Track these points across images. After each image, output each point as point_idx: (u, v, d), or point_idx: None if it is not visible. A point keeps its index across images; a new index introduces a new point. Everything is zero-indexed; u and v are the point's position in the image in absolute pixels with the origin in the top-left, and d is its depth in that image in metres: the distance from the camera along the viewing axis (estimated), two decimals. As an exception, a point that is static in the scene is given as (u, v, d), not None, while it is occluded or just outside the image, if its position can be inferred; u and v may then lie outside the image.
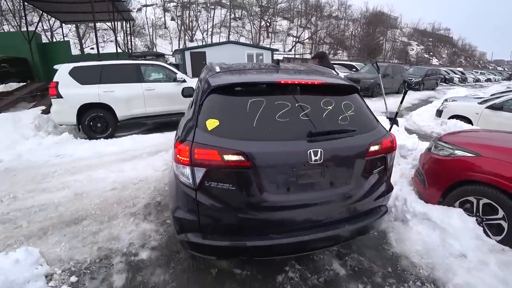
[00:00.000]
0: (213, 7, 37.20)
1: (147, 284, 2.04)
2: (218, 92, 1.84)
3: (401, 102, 4.15)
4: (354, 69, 18.62)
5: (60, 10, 14.10)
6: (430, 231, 2.56)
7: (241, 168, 1.67)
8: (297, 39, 37.51)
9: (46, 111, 7.07)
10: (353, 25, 40.80)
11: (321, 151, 1.74)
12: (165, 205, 3.15)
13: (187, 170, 1.68)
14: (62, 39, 23.11)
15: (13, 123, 6.17)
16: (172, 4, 35.38)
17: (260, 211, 1.76)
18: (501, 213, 2.36)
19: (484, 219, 2.49)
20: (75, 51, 25.09)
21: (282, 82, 1.89)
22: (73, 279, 2.09)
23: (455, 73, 26.91)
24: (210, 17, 36.19)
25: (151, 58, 16.45)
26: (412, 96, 14.24)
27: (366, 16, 40.81)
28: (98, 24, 23.59)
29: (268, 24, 37.58)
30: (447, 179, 2.66)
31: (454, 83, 24.62)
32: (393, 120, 4.67)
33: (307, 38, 37.87)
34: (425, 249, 2.42)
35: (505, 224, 2.36)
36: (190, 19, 33.93)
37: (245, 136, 1.70)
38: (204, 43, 29.69)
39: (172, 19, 34.89)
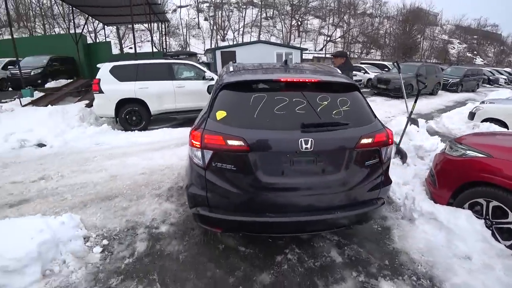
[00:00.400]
0: (245, 7, 37.78)
1: (164, 252, 2.38)
2: (228, 89, 2.13)
3: (415, 102, 4.11)
4: (386, 69, 18.02)
5: (103, 13, 15.35)
6: (436, 231, 2.56)
7: (241, 152, 1.93)
8: (329, 38, 36.84)
9: (89, 105, 7.87)
10: (388, 22, 39.12)
11: (311, 140, 1.95)
12: (186, 189, 3.51)
13: (199, 153, 1.98)
14: (104, 40, 25.02)
15: (62, 114, 6.96)
16: (205, 4, 36.49)
17: (257, 191, 2.01)
18: (511, 217, 2.28)
19: (494, 223, 2.41)
20: (115, 50, 26.96)
21: (282, 80, 2.12)
22: (105, 242, 2.49)
23: (501, 74, 24.75)
24: (242, 16, 36.79)
25: (184, 57, 17.28)
26: (448, 98, 13.49)
27: (403, 13, 38.88)
28: (136, 26, 25.20)
29: (299, 23, 37.30)
30: (457, 180, 2.62)
31: (500, 84, 22.66)
32: (411, 120, 4.59)
33: (339, 37, 37.01)
34: (427, 247, 2.43)
35: None
36: (222, 19, 34.78)
37: (246, 125, 1.96)
38: (235, 42, 30.34)
39: (206, 19, 36.01)
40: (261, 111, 2.00)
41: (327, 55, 29.99)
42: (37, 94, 9.97)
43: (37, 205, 3.19)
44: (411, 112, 4.15)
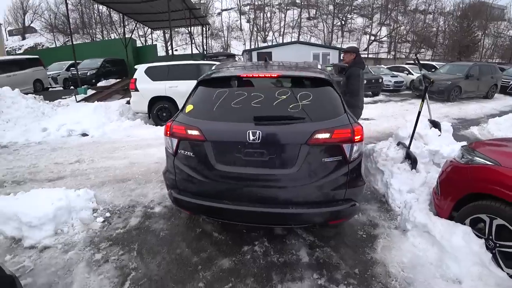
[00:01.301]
0: (287, 7, 37.90)
1: (149, 228, 2.76)
2: (200, 85, 2.43)
3: (422, 100, 3.85)
4: (434, 70, 16.74)
5: (149, 19, 16.80)
6: (428, 246, 2.29)
7: (198, 141, 2.18)
8: (374, 37, 35.16)
9: (129, 102, 8.84)
10: (443, 19, 35.89)
11: (259, 132, 2.02)
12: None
13: (169, 141, 2.31)
14: (151, 43, 27.20)
15: (105, 109, 7.94)
16: (248, 7, 37.41)
17: (213, 178, 2.18)
18: None
19: (497, 245, 2.02)
20: (162, 52, 29.11)
21: (241, 75, 2.33)
22: (107, 214, 2.99)
23: None
24: (283, 18, 36.97)
25: (223, 58, 18.11)
26: (506, 102, 11.78)
27: (461, 7, 35.28)
28: (182, 29, 26.99)
29: (342, 23, 36.18)
30: (460, 190, 2.25)
31: None
32: (432, 123, 4.30)
33: (385, 36, 35.04)
34: (412, 263, 2.19)
35: None
36: (264, 20, 35.34)
37: (205, 117, 2.21)
38: (275, 43, 30.66)
39: (248, 21, 36.90)
40: (220, 105, 2.24)
41: (370, 55, 28.76)
42: (90, 92, 11.42)
43: (67, 181, 3.87)
44: (419, 112, 3.92)
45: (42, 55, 16.25)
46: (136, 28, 28.24)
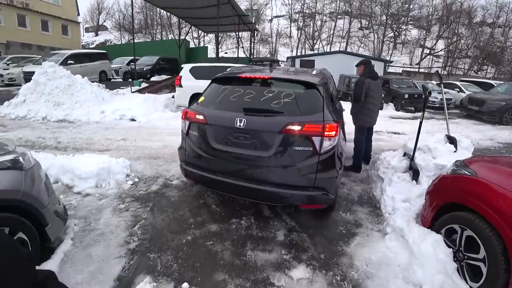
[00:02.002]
0: (340, 16, 37.50)
1: (164, 193, 3.36)
2: (213, 82, 3.00)
3: (423, 111, 3.77)
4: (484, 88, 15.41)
5: (203, 24, 18.21)
6: (401, 249, 2.33)
7: (202, 124, 2.70)
8: (429, 50, 32.93)
9: (174, 96, 9.91)
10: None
11: (244, 120, 2.46)
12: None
13: (183, 123, 2.90)
14: (203, 45, 29.10)
15: (153, 101, 9.02)
16: (299, 14, 37.82)
17: (210, 154, 2.66)
18: (482, 253, 1.87)
19: (466, 257, 2.02)
20: (212, 54, 30.92)
21: (241, 76, 2.83)
22: (136, 180, 3.69)
23: None
24: (334, 26, 36.64)
25: (267, 63, 18.85)
26: None
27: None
28: (233, 33, 28.50)
29: (396, 34, 34.56)
30: (439, 199, 2.30)
31: None
32: (448, 139, 4.29)
33: (441, 50, 32.51)
34: (379, 261, 2.27)
35: (484, 269, 1.85)
36: (314, 29, 35.43)
37: (210, 106, 2.75)
38: (321, 51, 30.59)
39: (298, 28, 37.31)
40: (222, 98, 2.77)
41: (421, 70, 27.05)
42: (144, 85, 12.88)
43: (112, 152, 4.72)
44: (420, 123, 3.86)
45: (109, 51, 18.60)
46: (191, 30, 30.59)
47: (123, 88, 12.21)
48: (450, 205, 2.18)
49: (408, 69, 27.20)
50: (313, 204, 2.57)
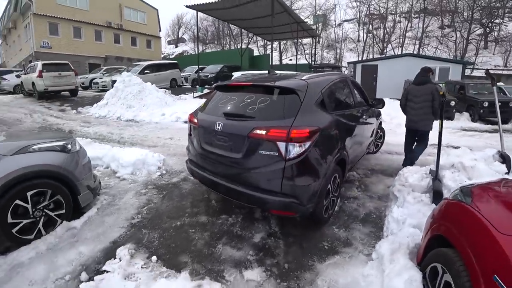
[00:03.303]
0: (415, 15, 34.21)
1: (180, 185, 3.86)
2: (215, 90, 3.30)
3: (440, 119, 3.29)
4: None
5: (263, 32, 19.02)
6: (376, 280, 2.11)
7: (196, 126, 3.03)
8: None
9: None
10: None
11: (221, 124, 2.64)
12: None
13: (187, 125, 3.33)
14: (269, 53, 30.11)
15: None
16: (369, 17, 35.83)
17: (201, 153, 2.95)
18: None
19: None
20: (276, 61, 31.74)
21: (228, 84, 3.08)
22: (164, 172, 4.35)
23: None
24: (408, 27, 33.57)
25: (329, 69, 18.60)
26: None
27: None
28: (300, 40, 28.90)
29: (487, 31, 29.36)
30: (431, 229, 1.90)
31: None
32: (500, 157, 3.63)
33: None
34: (344, 285, 2.13)
35: None
36: (386, 30, 33.12)
37: (204, 111, 3.06)
38: (390, 55, 28.37)
39: (369, 32, 35.42)
40: (213, 103, 3.04)
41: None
42: (206, 91, 14.23)
43: (157, 148, 5.58)
44: (440, 133, 3.33)
45: (183, 60, 21.08)
46: (257, 39, 32.10)
47: (187, 94, 13.74)
48: (439, 238, 1.76)
49: (501, 71, 22.89)
50: (281, 210, 2.47)
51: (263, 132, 2.40)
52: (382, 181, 4.07)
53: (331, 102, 3.06)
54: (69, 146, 3.00)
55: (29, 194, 2.52)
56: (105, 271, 2.15)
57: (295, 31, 16.80)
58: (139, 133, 7.06)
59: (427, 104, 4.26)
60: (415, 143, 4.62)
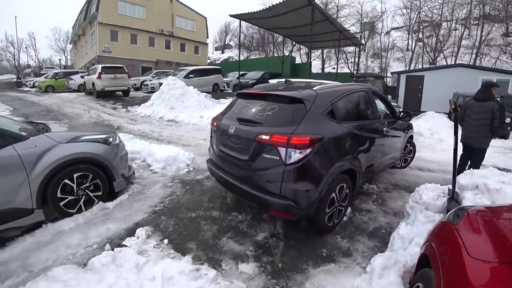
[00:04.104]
0: (475, 22, 31.40)
1: (203, 182, 4.19)
2: (238, 96, 3.52)
3: (455, 134, 3.09)
4: None
5: (304, 40, 19.13)
6: None
7: (215, 129, 3.30)
8: None
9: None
10: None
11: (233, 127, 2.90)
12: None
13: (210, 127, 3.63)
14: (311, 61, 30.05)
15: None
16: (421, 24, 33.76)
17: (217, 154, 3.22)
18: None
19: None
20: (317, 70, 31.48)
21: (246, 92, 3.29)
22: (191, 169, 4.73)
23: None
24: (465, 35, 30.92)
25: (372, 79, 18.06)
26: None
27: None
28: (344, 48, 28.45)
29: None
30: (422, 249, 1.85)
31: None
32: None
33: None
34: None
35: None
36: (440, 39, 30.94)
37: (223, 116, 3.33)
38: (442, 65, 26.39)
39: (420, 40, 33.46)
40: (232, 109, 3.29)
41: None
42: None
43: (190, 147, 6.05)
44: (455, 150, 3.15)
45: (227, 66, 21.99)
46: (301, 47, 32.20)
47: (227, 98, 14.35)
48: (426, 257, 1.70)
49: None
50: (280, 212, 2.59)
51: (267, 137, 2.57)
52: (403, 198, 3.93)
53: (342, 112, 3.10)
54: (110, 139, 3.52)
55: (75, 175, 3.05)
56: (124, 245, 2.52)
57: (337, 39, 16.64)
58: (177, 132, 7.67)
59: (486, 122, 4.17)
60: (471, 161, 4.45)
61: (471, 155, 4.44)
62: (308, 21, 13.64)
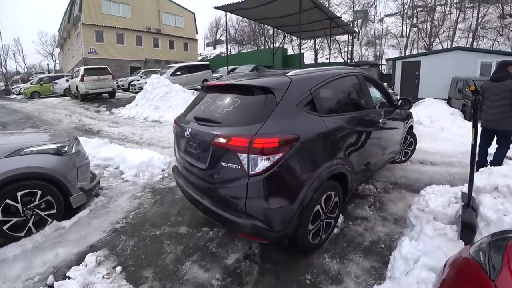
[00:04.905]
0: (470, 5, 30.83)
1: (176, 191, 3.65)
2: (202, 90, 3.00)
3: (474, 127, 2.40)
4: None
5: (295, 30, 18.59)
6: None
7: (175, 131, 2.80)
8: None
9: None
10: None
11: (190, 129, 2.38)
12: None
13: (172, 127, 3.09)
14: (304, 51, 29.54)
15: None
16: (415, 10, 33.09)
17: (178, 160, 2.75)
18: None
19: None
20: (310, 60, 30.95)
21: (208, 85, 2.77)
22: (166, 175, 4.31)
23: None
24: (460, 19, 30.36)
25: (366, 67, 17.58)
26: None
27: None
28: (337, 37, 27.86)
29: None
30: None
31: None
32: None
33: None
34: None
35: None
36: (434, 23, 30.33)
37: (183, 114, 2.82)
38: (438, 49, 25.90)
39: (414, 26, 32.84)
40: (192, 106, 2.81)
41: None
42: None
43: (171, 149, 5.63)
44: (473, 146, 2.49)
45: (219, 61, 21.50)
46: (293, 38, 31.54)
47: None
48: None
49: None
50: (246, 234, 2.06)
51: (224, 140, 2.01)
52: (404, 199, 3.42)
53: (326, 103, 2.54)
54: (65, 148, 3.10)
55: (19, 194, 2.64)
56: (68, 277, 2.13)
57: (328, 27, 16.15)
58: (159, 134, 7.25)
59: (506, 102, 3.85)
60: (497, 146, 4.11)
61: (497, 140, 4.09)
62: (296, 9, 13.13)
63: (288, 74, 2.35)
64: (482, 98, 4.11)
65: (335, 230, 2.71)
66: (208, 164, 2.19)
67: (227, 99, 2.36)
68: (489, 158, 4.24)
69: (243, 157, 1.92)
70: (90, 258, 2.30)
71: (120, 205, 3.32)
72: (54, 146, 3.03)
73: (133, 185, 3.91)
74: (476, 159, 4.01)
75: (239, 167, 1.94)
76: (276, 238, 2.04)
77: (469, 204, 2.38)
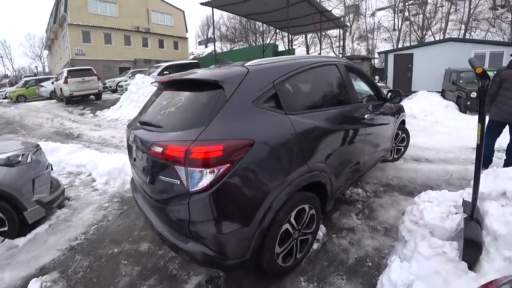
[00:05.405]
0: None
1: None
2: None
3: (480, 121, 1.76)
4: None
5: (285, 26, 18.28)
6: None
7: (127, 137, 2.33)
8: None
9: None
10: None
11: (133, 135, 2.02)
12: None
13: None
14: (297, 47, 29.25)
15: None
16: (408, 2, 32.93)
17: (132, 171, 2.39)
18: None
19: None
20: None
21: (158, 81, 2.28)
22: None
23: None
24: (456, 10, 30.25)
25: (358, 61, 17.35)
26: None
27: None
28: (329, 32, 27.56)
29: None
30: None
31: None
32: None
33: None
34: None
35: None
36: (426, 15, 30.19)
37: (136, 118, 2.32)
38: (430, 41, 25.79)
39: (406, 19, 32.68)
40: (143, 107, 2.39)
41: None
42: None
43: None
44: (478, 146, 1.86)
45: (211, 60, 20.95)
46: (282, 34, 31.18)
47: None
48: None
49: None
50: (197, 262, 1.68)
51: (160, 149, 1.64)
52: (397, 204, 3.07)
53: (295, 98, 2.18)
54: (20, 158, 2.83)
55: (-40, 212, 2.38)
56: (3, 309, 1.88)
57: (319, 22, 15.87)
58: (141, 136, 6.97)
59: None
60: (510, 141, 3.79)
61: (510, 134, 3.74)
62: (284, 3, 12.84)
63: (246, 64, 1.94)
64: (499, 89, 3.73)
65: (315, 246, 2.37)
66: (150, 177, 1.83)
67: (172, 97, 1.99)
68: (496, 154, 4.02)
69: (181, 170, 1.54)
70: (34, 285, 2.04)
71: (83, 218, 3.06)
72: (4, 156, 2.75)
73: (102, 194, 3.65)
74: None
75: (178, 182, 1.58)
76: (232, 267, 1.69)
77: (472, 216, 1.91)
